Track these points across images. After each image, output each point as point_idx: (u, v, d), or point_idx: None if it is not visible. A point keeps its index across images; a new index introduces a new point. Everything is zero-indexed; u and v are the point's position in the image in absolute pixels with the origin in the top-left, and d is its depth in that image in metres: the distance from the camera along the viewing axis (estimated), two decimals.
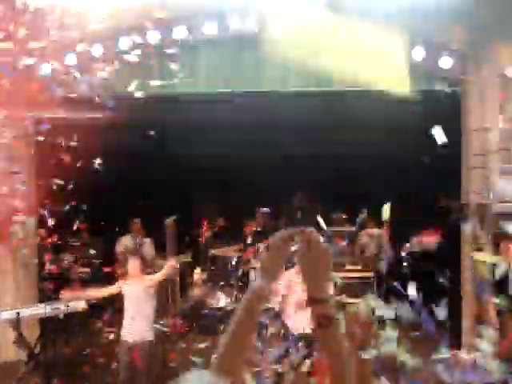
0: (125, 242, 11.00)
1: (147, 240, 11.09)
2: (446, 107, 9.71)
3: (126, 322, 7.19)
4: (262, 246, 11.13)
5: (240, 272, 11.31)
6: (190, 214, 11.60)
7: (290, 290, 7.22)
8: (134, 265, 7.32)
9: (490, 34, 8.86)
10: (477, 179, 9.16)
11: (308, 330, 6.73)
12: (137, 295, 7.20)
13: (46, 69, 8.06)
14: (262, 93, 9.40)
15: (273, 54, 8.34)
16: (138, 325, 7.13)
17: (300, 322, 6.93)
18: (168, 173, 11.67)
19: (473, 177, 9.22)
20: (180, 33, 8.96)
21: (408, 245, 10.53)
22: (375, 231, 11.46)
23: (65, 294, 7.44)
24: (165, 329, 9.90)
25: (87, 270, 10.78)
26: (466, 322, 9.33)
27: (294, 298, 7.20)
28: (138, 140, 8.66)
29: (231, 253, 11.71)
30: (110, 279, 7.91)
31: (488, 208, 8.83)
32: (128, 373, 6.95)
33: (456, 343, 8.78)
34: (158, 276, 7.48)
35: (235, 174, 11.83)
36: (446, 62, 9.17)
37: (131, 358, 6.98)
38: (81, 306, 7.49)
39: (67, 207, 7.83)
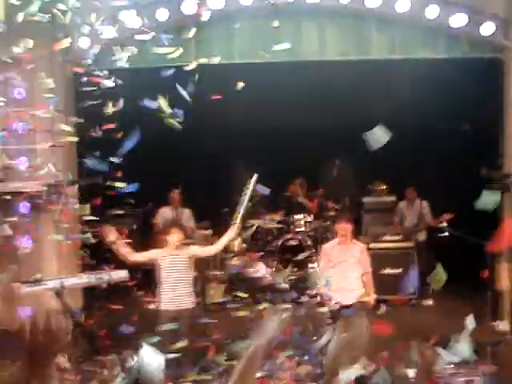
0: (164, 213, 11.12)
1: (186, 211, 11.20)
2: (488, 74, 9.53)
3: (166, 291, 7.30)
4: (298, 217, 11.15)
5: (280, 242, 11.35)
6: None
7: None
8: (174, 235, 7.42)
9: None
10: None
11: None
12: (178, 265, 7.32)
13: None
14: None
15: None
16: (179, 293, 7.25)
17: None
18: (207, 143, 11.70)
19: None
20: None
21: (447, 215, 10.43)
22: (415, 202, 11.39)
23: (109, 235, 7.46)
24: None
25: (129, 240, 10.94)
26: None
27: None
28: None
29: (269, 223, 11.73)
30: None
31: None
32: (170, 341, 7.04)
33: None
34: (223, 241, 7.54)
35: (272, 141, 11.80)
36: (488, 28, 8.95)
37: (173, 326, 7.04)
38: (123, 275, 7.61)
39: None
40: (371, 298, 7.75)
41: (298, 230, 11.49)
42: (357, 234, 11.46)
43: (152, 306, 7.96)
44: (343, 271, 7.70)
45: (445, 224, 10.17)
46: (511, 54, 9.12)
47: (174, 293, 7.29)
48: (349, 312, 7.53)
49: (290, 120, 11.13)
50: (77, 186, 9.10)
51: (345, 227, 7.79)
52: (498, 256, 8.99)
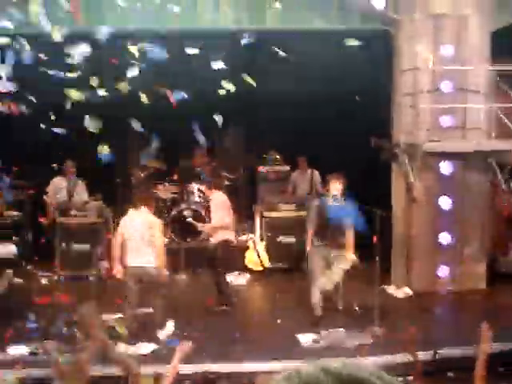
0: (57, 183, 10.83)
1: (80, 182, 10.94)
2: (378, 46, 9.77)
3: None
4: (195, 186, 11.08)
5: (174, 212, 11.24)
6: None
7: None
8: None
9: None
10: (407, 119, 9.31)
11: None
12: None
13: None
14: None
15: None
16: None
17: None
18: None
19: (403, 117, 9.37)
20: None
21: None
22: (307, 171, 11.58)
23: None
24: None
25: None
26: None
27: None
28: None
29: (166, 193, 11.61)
30: None
31: (418, 147, 9.02)
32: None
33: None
34: None
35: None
36: (379, 1, 9.14)
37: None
38: (11, 250, 7.34)
39: None
40: None
41: (194, 200, 11.40)
42: (252, 203, 11.61)
43: None
44: None
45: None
46: (400, 27, 9.35)
47: None
48: None
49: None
50: None
51: None
52: None
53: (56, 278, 10.09)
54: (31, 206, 11.02)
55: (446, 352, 7.01)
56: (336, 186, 8.24)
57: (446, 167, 9.19)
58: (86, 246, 10.08)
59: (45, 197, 10.71)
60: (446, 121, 9.12)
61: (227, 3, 9.18)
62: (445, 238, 9.28)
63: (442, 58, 9.10)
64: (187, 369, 6.41)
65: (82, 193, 10.89)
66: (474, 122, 9.11)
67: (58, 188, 10.80)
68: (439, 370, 6.49)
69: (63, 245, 10.16)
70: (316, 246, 8.35)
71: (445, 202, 9.23)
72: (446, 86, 9.10)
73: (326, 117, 11.45)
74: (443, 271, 9.32)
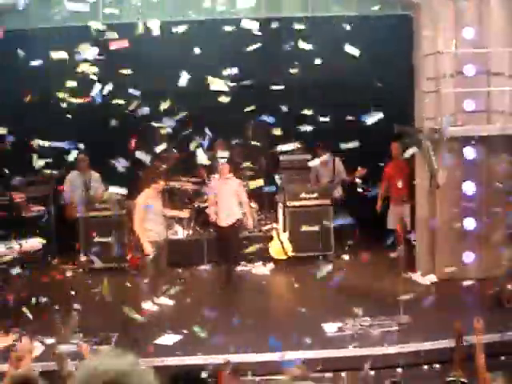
0: (72, 178, 10.91)
1: (96, 174, 11.00)
2: (399, 32, 9.63)
3: None
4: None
5: (196, 205, 11.25)
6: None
7: None
8: None
9: None
10: (430, 104, 9.19)
11: None
12: None
13: None
14: None
15: None
16: None
17: None
18: None
19: (426, 102, 9.24)
20: None
21: (360, 169, 10.62)
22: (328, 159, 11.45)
23: None
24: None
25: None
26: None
27: None
28: None
29: (188, 185, 11.60)
30: None
31: (441, 132, 8.90)
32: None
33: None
34: None
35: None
36: None
37: None
38: (35, 244, 7.40)
39: None
40: None
41: None
42: (274, 192, 11.55)
43: None
44: None
45: (358, 180, 10.36)
46: (420, 11, 9.22)
47: None
48: None
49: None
50: None
51: None
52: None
53: (81, 270, 10.21)
54: (55, 200, 11.09)
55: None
56: None
57: (469, 152, 9.07)
58: (108, 238, 10.15)
59: (63, 193, 10.83)
60: (469, 105, 8.99)
61: None
62: (470, 223, 9.17)
63: (463, 41, 8.97)
64: (211, 360, 6.44)
65: (97, 185, 10.95)
66: (498, 105, 8.96)
67: (73, 183, 10.90)
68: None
69: (87, 238, 10.26)
70: None
71: (469, 188, 9.11)
72: (468, 70, 8.97)
73: (347, 105, 11.33)
74: (468, 257, 9.21)
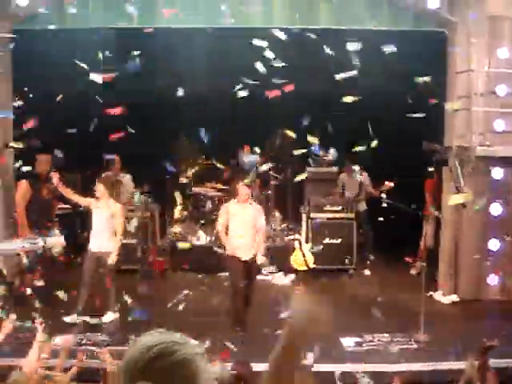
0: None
1: (127, 176, 11.09)
2: (432, 48, 9.58)
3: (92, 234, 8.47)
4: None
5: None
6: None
7: None
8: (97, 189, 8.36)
9: None
10: (460, 122, 9.12)
11: None
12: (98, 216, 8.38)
13: None
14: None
15: None
16: (100, 239, 8.36)
17: None
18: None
19: (456, 120, 9.18)
20: None
21: (387, 183, 10.57)
22: (355, 172, 11.41)
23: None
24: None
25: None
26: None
27: None
28: None
29: (211, 191, 11.66)
30: None
31: (470, 151, 8.84)
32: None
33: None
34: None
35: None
36: (433, 3, 8.99)
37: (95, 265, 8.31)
38: (59, 240, 7.45)
39: None
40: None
41: None
42: (299, 203, 11.54)
43: None
44: None
45: (384, 195, 10.30)
46: (455, 28, 9.17)
47: (96, 238, 8.39)
48: None
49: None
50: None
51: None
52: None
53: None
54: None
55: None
56: None
57: (497, 172, 8.99)
58: (132, 241, 10.18)
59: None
60: (499, 125, 8.92)
61: (281, 3, 9.16)
62: (494, 244, 9.07)
63: (497, 61, 8.90)
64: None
65: (128, 186, 11.03)
66: None
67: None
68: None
69: None
70: None
71: (495, 208, 9.02)
72: (501, 90, 8.90)
73: (377, 119, 11.29)
74: (492, 279, 9.11)
